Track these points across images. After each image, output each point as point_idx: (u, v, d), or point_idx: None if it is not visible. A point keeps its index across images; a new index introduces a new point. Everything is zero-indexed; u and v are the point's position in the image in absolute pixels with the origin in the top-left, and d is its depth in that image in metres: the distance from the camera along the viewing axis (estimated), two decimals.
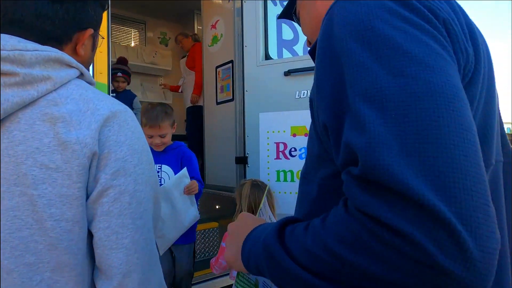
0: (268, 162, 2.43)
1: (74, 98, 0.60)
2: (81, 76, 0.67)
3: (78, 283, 0.60)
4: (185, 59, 4.34)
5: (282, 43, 2.91)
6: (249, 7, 2.57)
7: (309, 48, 0.69)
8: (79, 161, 0.57)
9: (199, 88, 3.76)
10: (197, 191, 1.93)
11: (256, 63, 2.51)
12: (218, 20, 3.24)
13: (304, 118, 2.33)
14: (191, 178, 1.92)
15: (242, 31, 2.62)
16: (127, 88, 3.78)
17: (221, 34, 3.19)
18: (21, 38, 0.61)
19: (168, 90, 4.92)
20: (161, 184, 1.85)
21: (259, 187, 2.05)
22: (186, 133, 4.34)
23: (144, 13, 5.03)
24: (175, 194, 1.83)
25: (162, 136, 1.92)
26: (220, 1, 3.23)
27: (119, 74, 3.66)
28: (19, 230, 0.56)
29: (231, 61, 3.01)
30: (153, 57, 4.92)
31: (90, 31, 0.72)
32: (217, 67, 3.21)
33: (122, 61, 3.87)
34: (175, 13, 5.19)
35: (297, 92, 2.36)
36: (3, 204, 0.55)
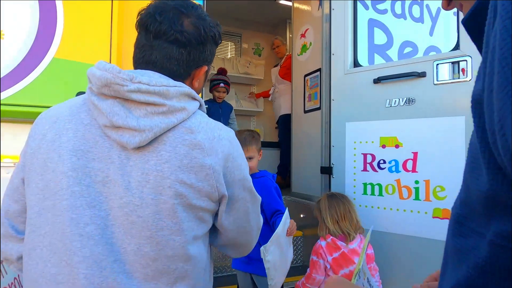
0: (355, 174, 2.33)
1: (203, 127, 0.77)
2: (200, 106, 0.83)
3: (201, 270, 0.81)
4: (277, 68, 4.42)
5: (374, 48, 2.76)
6: (337, 13, 2.51)
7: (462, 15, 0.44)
8: (209, 183, 0.75)
9: None
10: (296, 231, 1.83)
11: (343, 70, 2.43)
12: (308, 29, 3.24)
13: (395, 128, 2.17)
14: (277, 211, 1.84)
15: (329, 38, 2.58)
16: None
17: (310, 43, 3.18)
18: (162, 75, 0.79)
19: (258, 98, 5.12)
20: None
21: (336, 197, 2.01)
22: (278, 140, 4.45)
23: (240, 26, 5.33)
24: (282, 237, 1.72)
25: (248, 158, 1.86)
26: (310, 9, 3.23)
27: (221, 84, 3.72)
28: (162, 229, 0.72)
29: (319, 69, 2.97)
30: (247, 67, 5.17)
31: (205, 67, 0.88)
32: (305, 75, 3.21)
33: (222, 71, 3.94)
34: (269, 24, 5.39)
35: (388, 101, 2.20)
36: (151, 209, 0.71)
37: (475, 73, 1.98)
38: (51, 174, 0.74)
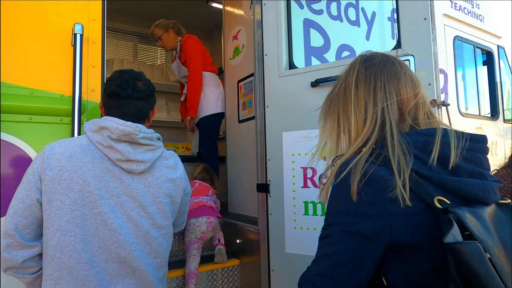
0: (294, 191, 2.02)
1: (170, 154, 1.39)
2: None
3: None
4: (176, 63, 3.30)
5: (311, 51, 2.52)
6: (269, 12, 2.22)
7: None
8: (180, 189, 1.38)
9: (193, 106, 3.03)
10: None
11: (278, 73, 2.13)
12: (240, 30, 2.93)
13: None
14: None
15: (261, 39, 2.27)
16: None
17: (243, 45, 2.87)
18: (141, 125, 1.26)
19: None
20: None
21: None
22: (200, 151, 3.24)
23: None
24: None
25: None
26: (242, 9, 2.93)
27: None
28: (159, 217, 1.31)
29: (253, 74, 2.66)
30: None
31: (155, 108, 1.42)
32: (238, 81, 2.88)
33: None
34: (201, 30, 5.02)
35: None
36: (152, 207, 1.26)
37: (420, 73, 1.79)
38: (77, 193, 1.15)
